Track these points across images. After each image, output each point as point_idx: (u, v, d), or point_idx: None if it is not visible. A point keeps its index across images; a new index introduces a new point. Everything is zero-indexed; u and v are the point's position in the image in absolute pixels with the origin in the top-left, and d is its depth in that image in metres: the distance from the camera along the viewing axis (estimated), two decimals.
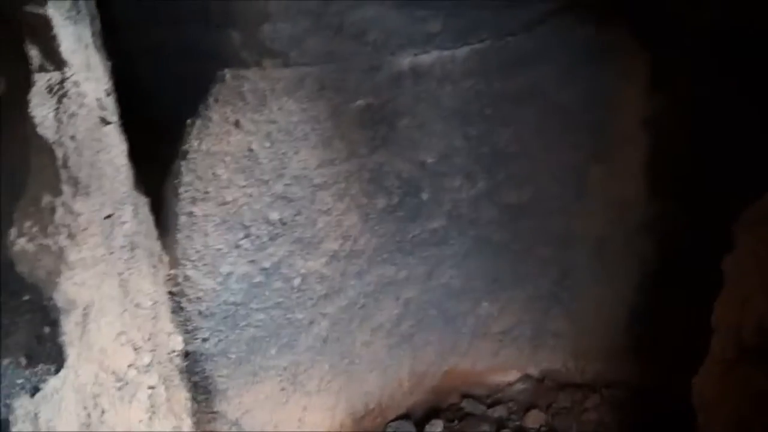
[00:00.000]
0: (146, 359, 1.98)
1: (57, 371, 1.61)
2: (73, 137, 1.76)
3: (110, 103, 2.04)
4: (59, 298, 1.66)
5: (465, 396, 3.68)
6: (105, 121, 1.91)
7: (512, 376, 3.74)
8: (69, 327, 1.67)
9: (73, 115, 1.79)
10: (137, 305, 2.06)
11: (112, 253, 1.91)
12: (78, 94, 1.85)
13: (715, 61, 3.02)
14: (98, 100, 1.91)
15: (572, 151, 3.35)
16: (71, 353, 1.66)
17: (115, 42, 2.33)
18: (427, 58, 2.94)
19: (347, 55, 2.73)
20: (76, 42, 2.00)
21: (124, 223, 1.98)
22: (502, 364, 3.72)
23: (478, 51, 3.04)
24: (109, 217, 1.88)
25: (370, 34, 2.70)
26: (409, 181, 3.06)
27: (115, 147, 1.97)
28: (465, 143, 3.17)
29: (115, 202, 1.95)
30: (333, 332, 2.97)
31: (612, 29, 3.13)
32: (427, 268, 3.27)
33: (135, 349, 1.94)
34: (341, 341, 3.01)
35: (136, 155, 2.24)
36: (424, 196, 3.13)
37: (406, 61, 2.89)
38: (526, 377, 3.75)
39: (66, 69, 1.93)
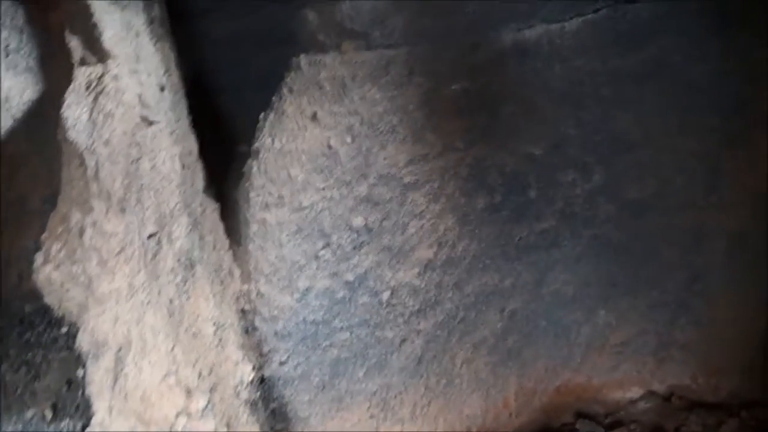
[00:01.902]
0: (202, 402, 1.67)
1: (83, 430, 1.32)
2: (107, 142, 1.47)
3: (161, 99, 1.75)
4: (84, 340, 1.37)
5: (580, 415, 3.30)
6: (148, 122, 1.62)
7: (634, 392, 3.36)
8: (98, 375, 1.39)
9: (108, 115, 1.49)
10: (194, 335, 1.77)
11: (158, 278, 1.62)
12: (117, 90, 1.57)
13: None
14: (140, 96, 1.62)
15: (703, 135, 2.97)
16: (100, 407, 1.37)
17: (183, 30, 2.18)
18: (532, 33, 2.63)
19: (439, 34, 2.46)
20: (124, 30, 1.74)
21: (175, 240, 1.70)
22: (622, 379, 3.35)
23: (592, 23, 2.72)
24: (153, 235, 1.58)
25: (466, 8, 2.42)
26: (514, 176, 2.74)
27: (162, 151, 1.68)
28: (578, 131, 2.83)
29: (162, 216, 1.67)
30: (428, 351, 2.67)
31: None
32: (535, 274, 2.94)
33: (187, 392, 1.64)
34: (438, 360, 2.71)
35: (206, 155, 2.08)
36: (532, 193, 2.80)
37: (508, 37, 2.59)
38: (650, 394, 3.35)
39: (110, 61, 1.65)
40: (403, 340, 2.60)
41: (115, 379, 1.45)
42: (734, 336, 3.25)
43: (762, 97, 2.93)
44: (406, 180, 2.48)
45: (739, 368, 3.29)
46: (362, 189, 2.40)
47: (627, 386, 3.40)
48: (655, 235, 3.14)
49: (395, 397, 2.64)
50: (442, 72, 2.50)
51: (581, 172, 2.91)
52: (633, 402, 3.40)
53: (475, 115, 2.59)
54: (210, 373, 1.85)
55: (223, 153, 2.22)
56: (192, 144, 2.06)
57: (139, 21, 1.86)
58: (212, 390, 1.84)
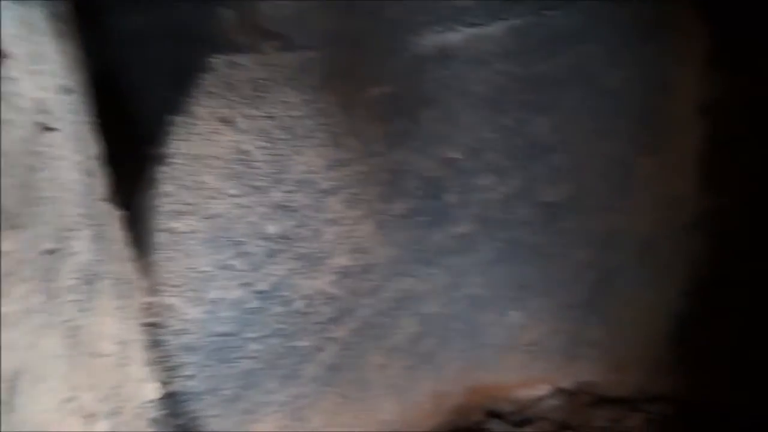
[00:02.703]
0: (104, 426, 1.58)
1: None
2: (0, 152, 1.34)
3: (63, 102, 1.62)
4: None
5: (490, 414, 3.31)
6: (47, 128, 1.49)
7: (543, 390, 3.38)
8: None
9: (4, 122, 1.36)
10: (96, 355, 1.66)
11: (56, 297, 1.50)
12: (13, 94, 1.43)
13: None
14: (40, 100, 1.49)
15: (619, 141, 3.00)
16: None
17: (90, 26, 2.03)
18: (455, 37, 2.58)
19: (361, 36, 2.40)
20: (23, 28, 1.59)
21: (75, 254, 1.58)
22: (532, 378, 3.38)
23: (515, 28, 2.69)
24: (51, 252, 1.47)
25: (387, 10, 2.37)
26: (432, 181, 2.70)
27: (63, 160, 1.55)
28: (497, 135, 2.81)
29: (62, 230, 1.54)
30: (343, 358, 2.62)
31: (667, 1, 2.80)
32: (450, 278, 2.92)
33: (88, 417, 1.54)
34: (352, 367, 2.66)
35: (111, 160, 1.96)
36: (449, 197, 2.76)
37: (430, 41, 2.53)
38: (558, 391, 3.39)
39: (6, 63, 1.51)
40: (317, 349, 2.54)
41: (10, 410, 1.34)
42: (640, 334, 3.31)
43: (671, 105, 2.98)
44: (324, 186, 2.40)
45: (644, 365, 3.35)
46: (277, 195, 2.31)
47: (536, 384, 3.43)
48: (568, 237, 3.15)
49: (309, 406, 2.58)
50: (362, 75, 2.44)
51: (499, 177, 2.90)
52: (541, 399, 3.44)
53: (395, 119, 2.53)
54: (113, 395, 1.75)
55: (130, 158, 2.09)
56: (96, 149, 1.93)
57: (40, 17, 1.71)
58: (115, 413, 1.74)
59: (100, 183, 1.90)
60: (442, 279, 2.92)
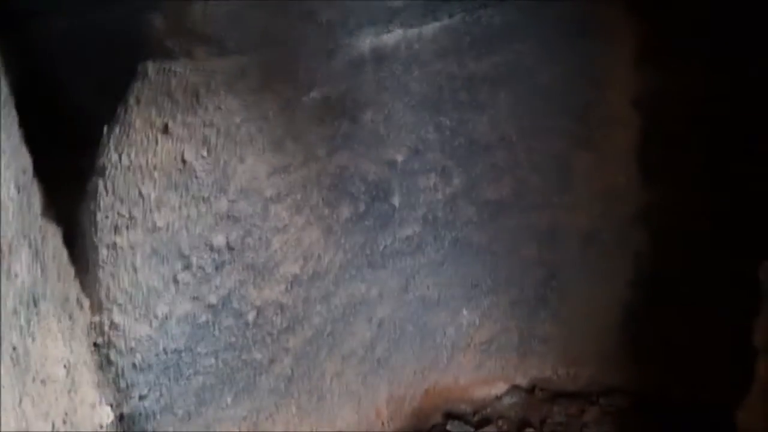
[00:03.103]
0: None
1: None
2: None
3: None
4: None
5: (449, 416, 3.31)
6: None
7: (499, 388, 3.41)
8: None
9: None
10: (44, 381, 1.58)
11: None
12: None
13: (716, 27, 2.73)
14: None
15: (555, 137, 3.05)
16: None
17: (15, 32, 1.98)
18: (390, 38, 2.58)
19: (297, 39, 2.35)
20: None
21: (15, 277, 1.50)
22: (487, 377, 3.40)
23: (448, 28, 2.71)
24: None
25: (322, 12, 2.31)
26: (377, 184, 2.69)
27: None
28: (438, 135, 2.83)
29: None
30: (298, 368, 2.57)
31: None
32: (401, 280, 2.92)
33: None
34: (308, 377, 2.61)
35: (44, 173, 1.82)
36: (395, 200, 2.77)
37: (366, 42, 2.53)
38: (514, 389, 3.42)
39: None
40: (272, 361, 2.48)
41: None
42: (590, 327, 3.34)
43: (606, 99, 3.01)
44: (268, 193, 2.35)
45: (596, 357, 3.39)
46: (222, 205, 2.24)
47: (492, 383, 3.45)
48: (513, 234, 3.19)
49: (266, 419, 2.51)
50: (300, 79, 2.40)
51: (442, 177, 2.91)
52: (498, 398, 3.45)
53: (335, 122, 2.51)
54: (64, 422, 1.66)
55: (64, 170, 1.99)
56: (26, 161, 1.82)
57: None
58: None
59: (34, 197, 1.80)
60: (393, 282, 2.91)
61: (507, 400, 3.43)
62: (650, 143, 3.00)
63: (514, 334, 3.39)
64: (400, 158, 2.71)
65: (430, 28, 2.65)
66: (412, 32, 2.62)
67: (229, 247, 2.27)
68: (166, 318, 2.17)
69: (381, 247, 2.78)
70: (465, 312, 3.23)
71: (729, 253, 2.76)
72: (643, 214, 3.10)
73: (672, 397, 3.12)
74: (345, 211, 2.61)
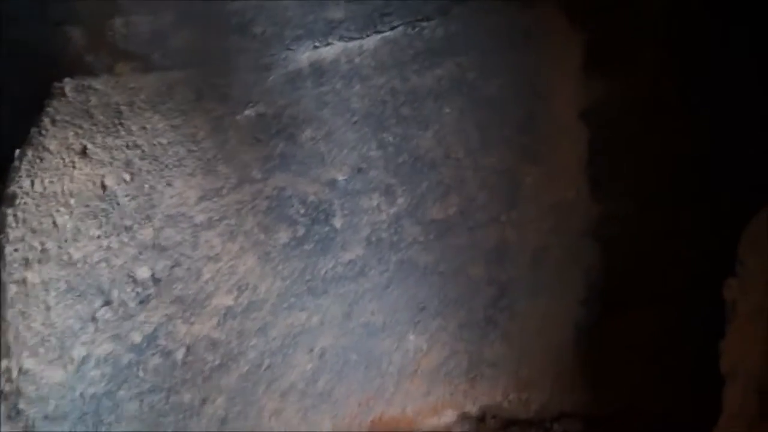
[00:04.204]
0: None
1: None
2: None
3: None
4: None
5: None
6: None
7: (448, 416, 3.25)
8: None
9: None
10: None
11: None
12: None
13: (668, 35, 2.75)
14: None
15: (502, 152, 2.95)
16: None
17: None
18: (329, 51, 2.47)
19: (229, 53, 2.25)
20: None
21: None
22: (436, 404, 3.24)
23: (390, 40, 2.61)
24: None
25: (257, 25, 2.24)
26: (317, 205, 2.56)
27: None
28: (381, 152, 2.71)
29: None
30: (233, 408, 2.40)
31: (540, 7, 2.80)
32: (343, 307, 2.76)
33: None
34: (245, 417, 2.45)
35: None
36: (337, 222, 2.63)
37: (304, 56, 2.41)
38: (464, 417, 3.27)
39: None
40: (204, 401, 2.31)
41: None
42: (541, 349, 3.24)
43: (552, 111, 2.95)
44: (198, 219, 2.20)
45: (548, 380, 3.27)
46: (146, 234, 2.10)
47: (441, 410, 3.29)
48: (461, 253, 3.06)
49: None
50: (233, 95, 2.27)
51: (385, 196, 2.79)
52: (448, 428, 3.32)
53: (272, 141, 2.38)
54: None
55: None
56: None
57: None
58: None
59: None
60: (335, 309, 2.77)
61: (456, 430, 3.30)
62: (599, 155, 2.94)
63: (464, 358, 3.23)
64: (341, 178, 2.59)
65: (371, 41, 2.56)
66: (353, 45, 2.52)
67: (155, 280, 2.12)
68: (84, 360, 2.01)
69: (322, 273, 2.64)
70: (412, 337, 3.08)
71: (688, 269, 2.72)
72: (594, 228, 3.04)
73: (629, 423, 3.06)
74: (283, 236, 2.46)
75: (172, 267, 2.16)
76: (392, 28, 2.59)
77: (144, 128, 2.08)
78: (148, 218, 2.10)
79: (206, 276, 2.23)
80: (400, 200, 2.83)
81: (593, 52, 2.83)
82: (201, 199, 2.19)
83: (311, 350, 2.71)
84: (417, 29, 2.64)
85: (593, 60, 2.84)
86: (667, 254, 2.90)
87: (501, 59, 2.81)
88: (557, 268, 3.12)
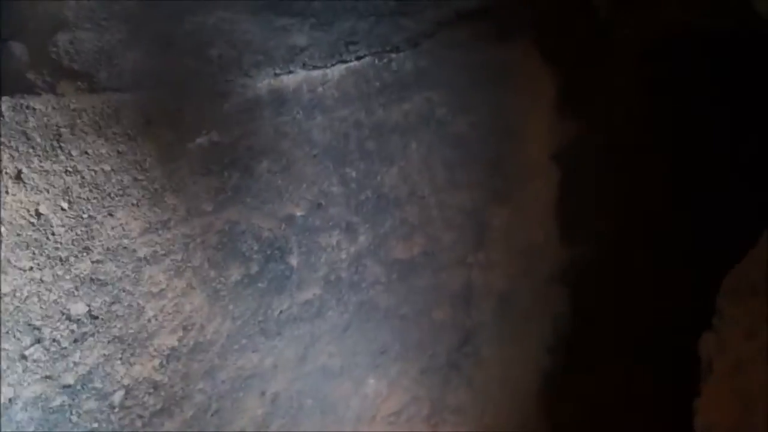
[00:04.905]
0: None
1: None
2: None
3: None
4: None
5: None
6: None
7: None
8: None
9: None
10: None
11: None
12: None
13: (641, 79, 2.77)
14: None
15: (470, 191, 2.92)
16: None
17: None
18: (291, 79, 2.36)
19: (183, 77, 2.09)
20: None
21: None
22: None
23: (355, 71, 2.52)
24: None
25: (214, 48, 2.09)
26: (272, 242, 2.42)
27: None
28: (342, 188, 2.61)
29: None
30: None
31: (514, 44, 2.77)
32: (299, 349, 2.63)
33: None
34: None
35: None
36: (293, 260, 2.49)
37: (263, 83, 2.29)
38: None
39: None
40: None
41: None
42: (506, 396, 3.20)
43: (523, 151, 2.94)
44: (142, 253, 2.05)
45: (512, 429, 3.22)
46: (83, 267, 1.94)
47: None
48: (424, 296, 2.99)
49: None
50: (186, 122, 2.13)
51: (346, 233, 2.68)
52: None
53: (225, 172, 2.25)
54: None
55: None
56: None
57: None
58: None
59: None
60: (290, 351, 2.63)
61: None
62: (569, 197, 2.92)
63: (425, 403, 3.15)
64: (299, 213, 2.47)
65: (336, 71, 2.46)
66: (316, 74, 2.41)
67: (92, 317, 1.97)
68: (11, 402, 1.85)
69: (276, 313, 2.51)
70: (371, 381, 2.98)
71: (660, 320, 2.68)
72: (563, 273, 3.01)
73: None
74: (234, 273, 2.32)
75: (111, 303, 2.01)
76: (358, 58, 2.50)
77: (86, 153, 1.92)
78: (86, 250, 1.94)
79: (149, 314, 2.09)
80: (362, 238, 2.73)
81: (567, 91, 2.81)
82: (145, 231, 2.05)
83: (263, 394, 2.57)
84: (385, 60, 2.57)
85: (566, 99, 2.82)
86: (639, 304, 2.85)
87: (472, 96, 2.77)
88: (524, 314, 3.10)
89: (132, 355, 2.07)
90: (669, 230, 2.83)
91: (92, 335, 1.98)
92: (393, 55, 2.56)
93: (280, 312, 2.53)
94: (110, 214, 1.97)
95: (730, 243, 2.29)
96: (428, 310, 3.00)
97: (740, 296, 1.98)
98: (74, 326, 1.93)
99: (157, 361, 2.14)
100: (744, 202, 2.81)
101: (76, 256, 1.91)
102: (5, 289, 1.79)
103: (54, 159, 1.88)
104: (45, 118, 1.88)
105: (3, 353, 1.81)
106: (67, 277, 1.90)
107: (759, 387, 1.83)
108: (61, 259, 1.88)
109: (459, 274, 2.98)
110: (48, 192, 1.86)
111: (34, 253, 1.84)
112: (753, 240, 2.26)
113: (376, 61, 2.52)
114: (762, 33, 2.36)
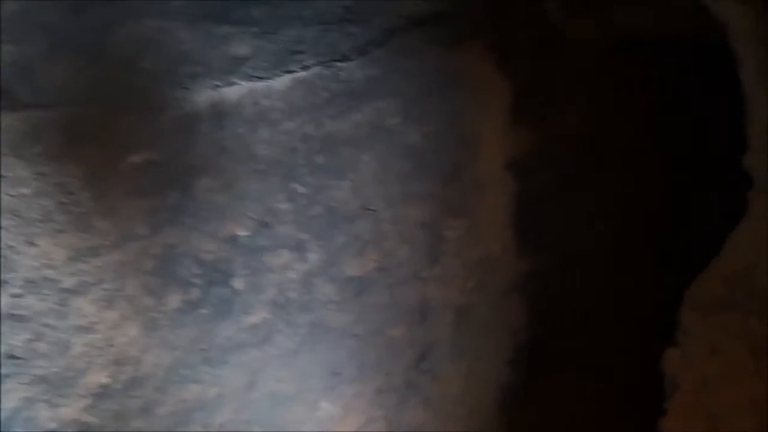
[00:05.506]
0: None
1: None
2: None
3: None
4: None
5: None
6: None
7: None
8: None
9: None
10: None
11: None
12: None
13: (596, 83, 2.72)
14: None
15: (424, 204, 2.84)
16: None
17: None
18: (233, 91, 2.28)
19: (113, 91, 2.00)
20: None
21: None
22: None
23: (303, 82, 2.44)
24: None
25: (147, 60, 2.01)
26: (215, 264, 2.33)
27: None
28: (290, 205, 2.53)
29: None
30: None
31: (466, 51, 2.71)
32: (246, 377, 2.54)
33: None
34: None
35: None
36: (238, 283, 2.40)
37: (202, 97, 2.20)
38: None
39: None
40: None
41: None
42: (465, 413, 3.12)
43: (477, 161, 2.86)
44: (67, 283, 1.96)
45: None
46: (1, 302, 1.83)
47: None
48: (379, 313, 2.90)
49: None
50: (117, 140, 2.04)
51: (295, 252, 2.60)
52: None
53: (161, 192, 2.16)
54: None
55: None
56: None
57: None
58: None
59: None
60: (236, 379, 2.54)
61: None
62: (526, 208, 2.87)
63: (382, 424, 3.06)
64: (243, 233, 2.39)
65: (281, 82, 2.38)
66: (260, 86, 2.34)
67: (11, 357, 1.85)
68: None
69: (220, 340, 2.42)
70: (325, 404, 2.88)
71: (622, 334, 2.65)
72: (521, 285, 2.96)
73: None
74: (173, 300, 2.23)
75: (33, 341, 1.91)
76: (305, 68, 2.43)
77: (3, 177, 1.83)
78: (4, 282, 1.84)
79: (76, 350, 1.99)
80: (312, 256, 2.65)
81: (521, 98, 2.75)
82: (71, 259, 1.95)
83: (206, 426, 2.46)
84: (333, 70, 2.49)
85: (521, 107, 2.76)
86: (600, 315, 2.82)
87: (424, 104, 2.70)
88: (482, 328, 3.03)
89: (58, 396, 1.98)
90: (630, 239, 2.80)
91: (12, 377, 1.88)
92: (342, 64, 2.49)
93: (225, 339, 2.44)
94: (31, 243, 1.88)
95: (698, 253, 2.27)
96: (383, 328, 2.92)
97: (703, 310, 1.93)
98: None
99: (86, 401, 2.04)
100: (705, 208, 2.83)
101: None
102: None
103: None
104: None
105: None
106: None
107: (725, 406, 1.79)
108: None
109: (414, 289, 2.92)
110: None
111: None
112: (715, 248, 2.24)
113: (324, 71, 2.46)
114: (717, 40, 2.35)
